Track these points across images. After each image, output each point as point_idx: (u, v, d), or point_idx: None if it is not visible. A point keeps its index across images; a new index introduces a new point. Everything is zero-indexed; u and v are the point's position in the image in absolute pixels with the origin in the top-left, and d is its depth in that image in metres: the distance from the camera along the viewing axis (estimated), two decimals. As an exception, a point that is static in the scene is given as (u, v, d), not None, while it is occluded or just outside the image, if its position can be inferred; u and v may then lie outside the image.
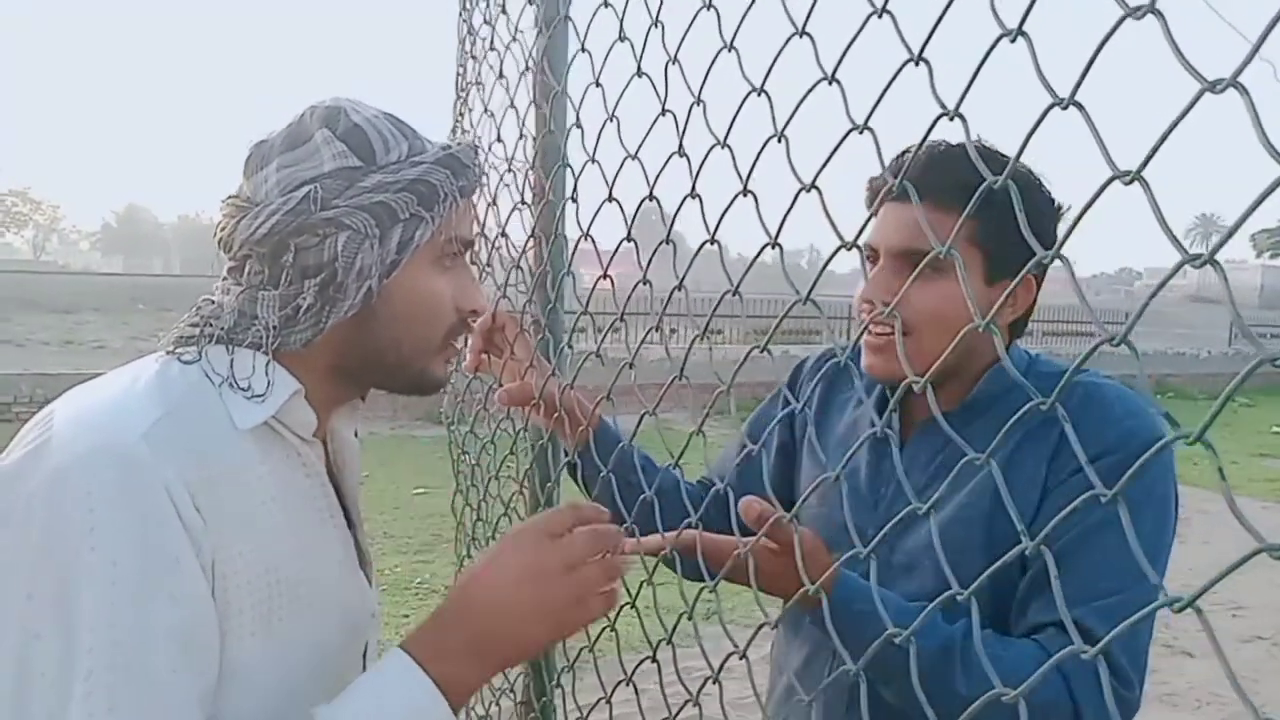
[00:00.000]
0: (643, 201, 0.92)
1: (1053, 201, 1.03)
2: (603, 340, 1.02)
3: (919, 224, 0.97)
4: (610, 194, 0.96)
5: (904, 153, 0.95)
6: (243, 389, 0.78)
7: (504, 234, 1.57)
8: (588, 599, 0.78)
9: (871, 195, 0.99)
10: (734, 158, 0.73)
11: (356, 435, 0.98)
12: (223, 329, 0.80)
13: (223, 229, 0.82)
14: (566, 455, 1.27)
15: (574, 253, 1.30)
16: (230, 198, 0.83)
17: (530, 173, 1.46)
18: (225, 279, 0.84)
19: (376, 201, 0.78)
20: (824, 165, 0.62)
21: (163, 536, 0.69)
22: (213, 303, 0.83)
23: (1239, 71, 0.34)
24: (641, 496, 0.97)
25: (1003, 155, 0.91)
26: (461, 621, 0.76)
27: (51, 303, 18.62)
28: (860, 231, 0.62)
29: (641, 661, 0.95)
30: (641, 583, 0.98)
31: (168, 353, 0.81)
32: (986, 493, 0.94)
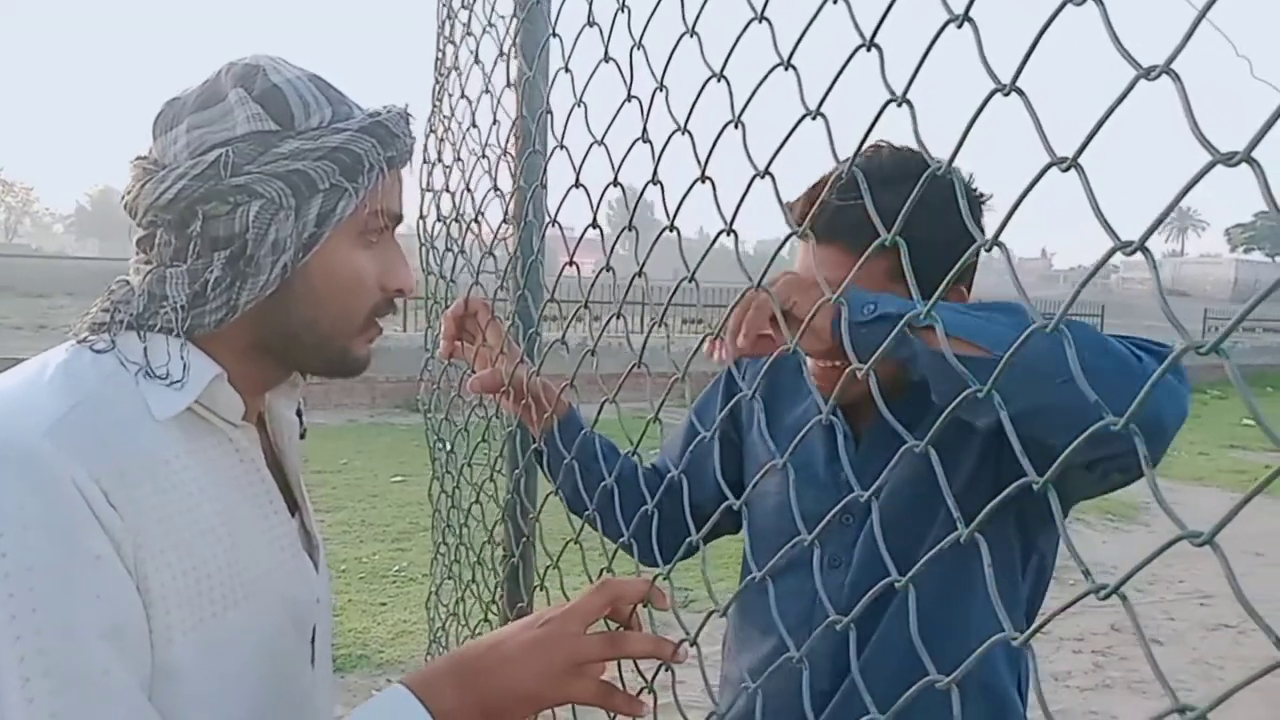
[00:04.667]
0: (607, 188, 0.92)
1: (973, 191, 1.02)
2: (567, 328, 1.02)
3: (845, 265, 0.95)
4: (577, 180, 0.96)
5: (814, 186, 0.95)
6: (159, 376, 0.73)
7: (478, 219, 1.56)
8: (585, 667, 0.78)
9: (797, 220, 0.93)
10: (694, 144, 0.73)
11: (300, 415, 0.94)
12: (133, 314, 0.75)
13: (129, 192, 0.76)
14: (534, 442, 1.28)
15: (542, 238, 1.29)
16: (139, 159, 0.77)
17: (504, 158, 1.45)
18: (136, 255, 0.78)
19: (293, 170, 0.73)
20: (777, 151, 0.62)
21: (78, 534, 0.65)
22: (126, 284, 0.78)
23: (1171, 59, 0.35)
24: (602, 484, 0.97)
25: (912, 152, 0.90)
26: (458, 653, 0.79)
27: (24, 287, 18.35)
28: (809, 218, 0.62)
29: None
30: (601, 570, 0.98)
31: (79, 341, 0.75)
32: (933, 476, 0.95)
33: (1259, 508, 0.37)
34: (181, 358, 0.74)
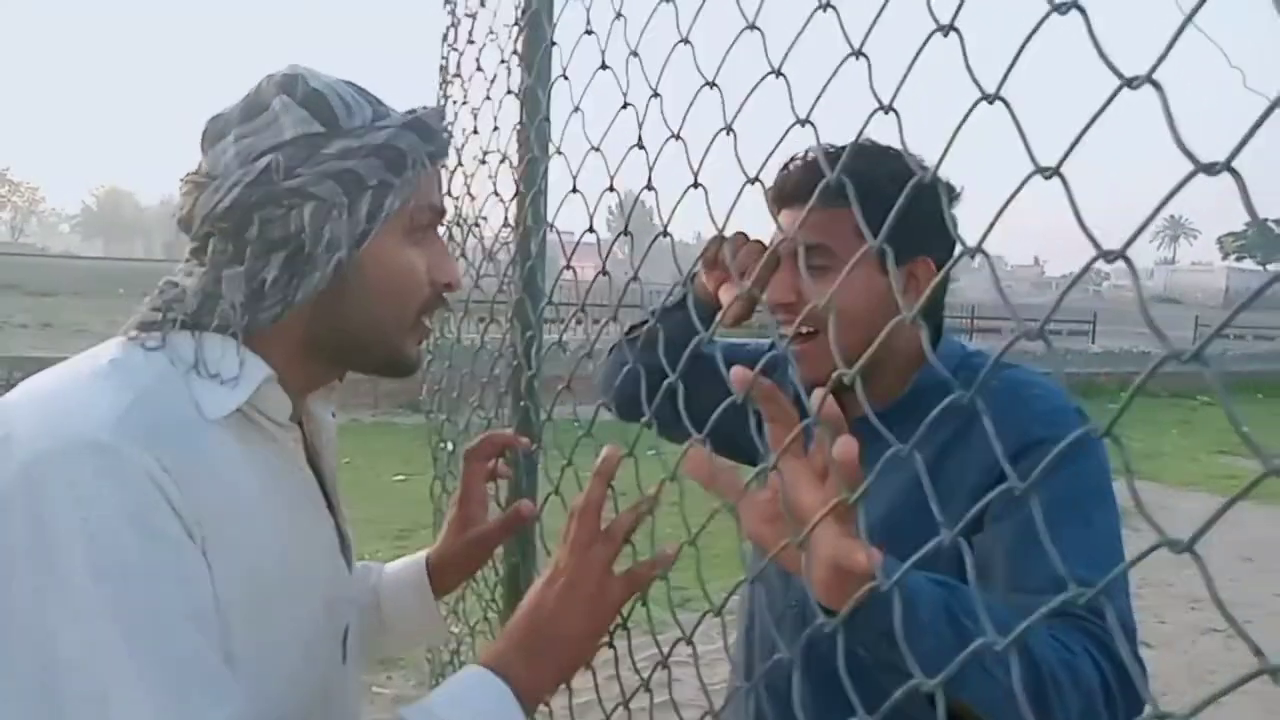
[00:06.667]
0: (604, 193, 0.92)
1: (941, 182, 1.03)
2: (564, 330, 1.02)
3: (810, 224, 0.96)
4: (575, 185, 0.97)
5: (790, 160, 0.98)
6: (211, 375, 0.74)
7: (478, 223, 1.57)
8: (610, 579, 0.84)
9: (769, 200, 0.95)
10: (687, 150, 0.74)
11: (334, 416, 0.95)
12: (186, 313, 0.76)
13: (182, 208, 0.78)
14: (536, 443, 1.28)
15: (542, 242, 1.30)
16: (189, 175, 0.79)
17: (505, 163, 1.46)
18: (188, 260, 0.80)
19: (343, 169, 0.75)
20: (768, 159, 0.63)
21: (159, 521, 0.66)
22: (175, 285, 0.79)
23: (1154, 68, 0.35)
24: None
25: (889, 149, 0.89)
26: (509, 630, 0.83)
27: (30, 286, 18.43)
28: (801, 223, 0.63)
29: (598, 647, 0.95)
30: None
31: (129, 338, 0.76)
32: (917, 490, 0.92)
33: (1249, 514, 0.37)
34: (237, 356, 0.75)
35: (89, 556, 0.63)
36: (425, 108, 0.81)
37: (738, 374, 0.64)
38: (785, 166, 1.02)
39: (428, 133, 0.79)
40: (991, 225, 0.44)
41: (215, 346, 0.75)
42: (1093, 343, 18.05)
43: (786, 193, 0.87)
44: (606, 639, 0.89)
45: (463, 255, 1.68)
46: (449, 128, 0.85)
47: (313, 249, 0.75)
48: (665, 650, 0.83)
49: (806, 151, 0.97)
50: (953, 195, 1.02)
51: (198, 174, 0.78)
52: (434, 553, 1.14)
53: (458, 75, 1.77)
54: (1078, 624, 0.79)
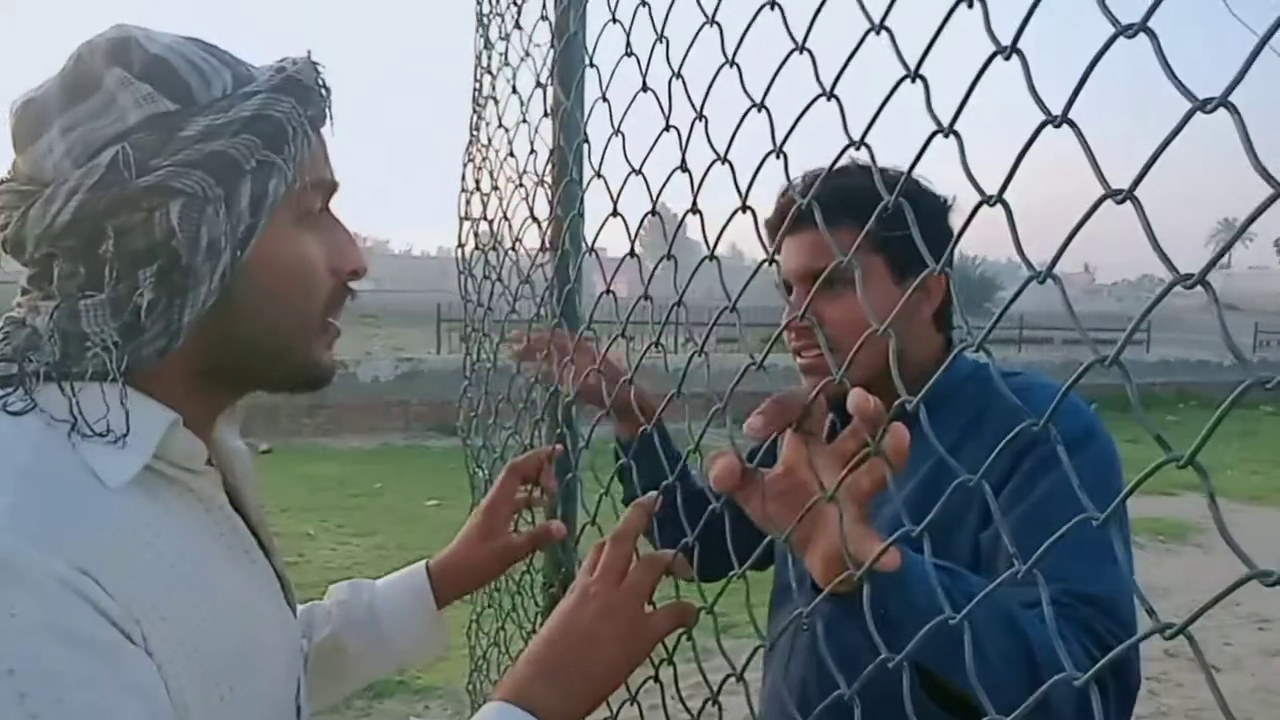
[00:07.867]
0: (645, 216, 0.92)
1: (937, 197, 1.07)
2: (604, 354, 1.02)
3: (815, 245, 1.03)
4: (615, 209, 0.96)
5: (786, 189, 1.00)
6: (100, 434, 0.61)
7: (514, 246, 1.58)
8: (646, 609, 0.79)
9: (770, 231, 1.01)
10: (734, 173, 0.74)
11: (243, 441, 0.82)
12: (48, 361, 0.61)
13: (5, 226, 0.63)
14: (572, 470, 1.27)
15: (579, 266, 1.30)
16: (4, 184, 0.64)
17: (541, 186, 1.47)
18: (27, 292, 0.65)
19: (210, 153, 0.61)
20: (820, 180, 0.62)
21: (87, 629, 0.55)
22: (22, 325, 0.64)
23: (1229, 91, 0.34)
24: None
25: (868, 169, 0.92)
26: (533, 655, 0.77)
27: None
28: (855, 248, 0.62)
29: (645, 681, 0.94)
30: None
31: None
32: (931, 488, 0.96)
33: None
34: (124, 406, 0.62)
35: (13, 691, 0.52)
36: (295, 61, 0.68)
37: (752, 421, 0.67)
38: (784, 194, 1.05)
39: (305, 93, 0.66)
40: (1060, 252, 0.43)
41: (95, 399, 0.61)
42: (1148, 352, 17.68)
43: (792, 220, 0.93)
44: (653, 674, 0.87)
45: (499, 278, 1.69)
46: (324, 81, 0.69)
47: (190, 258, 0.61)
48: (713, 682, 0.82)
49: (788, 185, 1.03)
50: (947, 208, 1.06)
51: (16, 180, 0.63)
52: (441, 559, 1.08)
53: (492, 98, 1.79)
54: (1068, 612, 0.80)
